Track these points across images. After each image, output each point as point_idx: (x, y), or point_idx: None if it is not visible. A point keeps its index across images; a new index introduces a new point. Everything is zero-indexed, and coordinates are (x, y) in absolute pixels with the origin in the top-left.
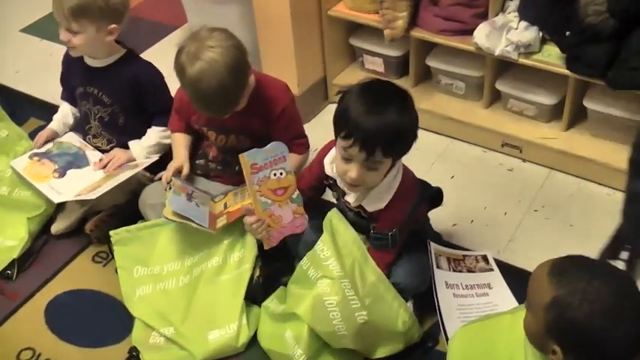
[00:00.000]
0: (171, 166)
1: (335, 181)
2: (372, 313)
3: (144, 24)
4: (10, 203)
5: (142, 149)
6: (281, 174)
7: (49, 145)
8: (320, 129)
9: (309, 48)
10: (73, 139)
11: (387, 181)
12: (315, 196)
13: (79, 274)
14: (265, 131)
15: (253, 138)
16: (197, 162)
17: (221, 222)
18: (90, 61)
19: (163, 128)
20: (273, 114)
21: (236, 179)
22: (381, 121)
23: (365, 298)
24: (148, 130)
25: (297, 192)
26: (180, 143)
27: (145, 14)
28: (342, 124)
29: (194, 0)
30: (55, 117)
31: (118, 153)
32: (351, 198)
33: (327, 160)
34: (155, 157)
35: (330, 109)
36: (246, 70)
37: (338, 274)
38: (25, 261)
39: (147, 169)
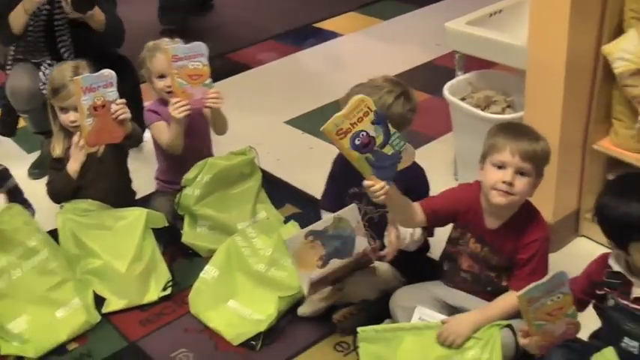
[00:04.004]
0: None
1: (621, 280)
2: None
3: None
4: (265, 280)
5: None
6: (558, 297)
7: (329, 222)
8: (567, 261)
9: (569, 179)
10: (353, 218)
11: None
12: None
13: (320, 359)
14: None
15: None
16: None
17: None
18: None
19: None
20: (523, 240)
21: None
22: None
23: None
24: None
25: (574, 308)
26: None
27: None
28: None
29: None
30: None
31: None
32: None
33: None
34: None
35: (579, 243)
36: None
37: None
38: (268, 336)
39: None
